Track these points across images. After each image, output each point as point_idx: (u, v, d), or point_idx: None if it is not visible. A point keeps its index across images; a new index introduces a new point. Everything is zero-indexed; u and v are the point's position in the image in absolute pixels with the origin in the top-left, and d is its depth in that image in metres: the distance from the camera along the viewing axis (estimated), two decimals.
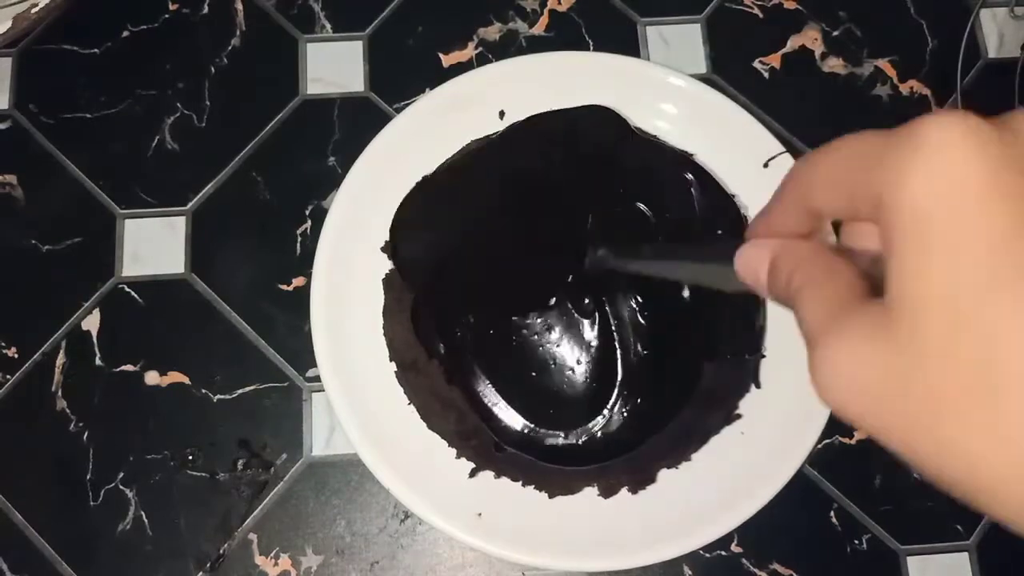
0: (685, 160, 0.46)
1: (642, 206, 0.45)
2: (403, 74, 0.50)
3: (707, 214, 0.45)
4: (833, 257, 0.20)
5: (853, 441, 0.46)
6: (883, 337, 0.17)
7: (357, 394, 0.43)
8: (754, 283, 0.22)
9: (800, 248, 0.21)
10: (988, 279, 0.15)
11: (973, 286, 0.15)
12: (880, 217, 0.17)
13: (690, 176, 0.45)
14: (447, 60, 0.51)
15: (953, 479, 0.16)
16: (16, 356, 0.46)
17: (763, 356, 0.44)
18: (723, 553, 0.44)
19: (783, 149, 0.46)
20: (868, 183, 0.17)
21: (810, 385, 0.18)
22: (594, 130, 0.46)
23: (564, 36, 0.51)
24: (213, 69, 0.50)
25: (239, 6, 0.51)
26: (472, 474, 0.42)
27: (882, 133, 0.18)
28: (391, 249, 0.44)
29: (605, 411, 0.43)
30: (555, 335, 0.43)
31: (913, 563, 0.44)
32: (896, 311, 0.16)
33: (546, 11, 0.52)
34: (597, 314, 0.43)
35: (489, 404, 0.43)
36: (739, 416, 0.44)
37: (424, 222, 0.45)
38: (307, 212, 0.48)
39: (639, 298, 0.43)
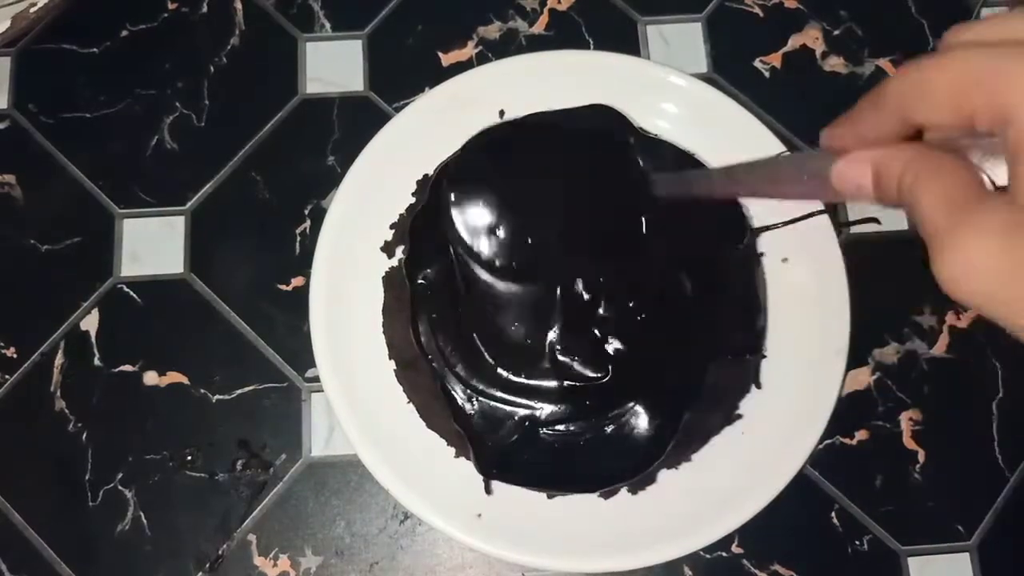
0: (686, 159, 0.46)
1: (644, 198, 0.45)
2: (403, 73, 0.50)
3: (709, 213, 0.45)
4: (943, 155, 0.22)
5: (854, 441, 0.46)
6: (1016, 231, 0.19)
7: (357, 394, 0.43)
8: (855, 194, 0.24)
9: (905, 151, 0.23)
10: None
11: None
12: (1008, 130, 0.19)
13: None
14: (447, 59, 0.51)
15: None
16: (15, 356, 0.46)
17: (764, 356, 0.44)
18: (724, 554, 0.44)
19: (784, 148, 0.46)
20: (990, 101, 0.20)
21: (944, 280, 0.20)
22: (595, 129, 0.46)
23: (564, 35, 0.51)
24: (212, 68, 0.50)
25: (238, 5, 0.51)
26: (488, 489, 0.42)
27: (990, 53, 0.20)
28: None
29: None
30: (553, 336, 0.43)
31: (914, 564, 0.44)
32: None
33: (546, 10, 0.52)
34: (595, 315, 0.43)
35: None
36: (739, 416, 0.43)
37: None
38: (306, 212, 0.48)
39: (639, 299, 0.43)
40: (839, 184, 0.25)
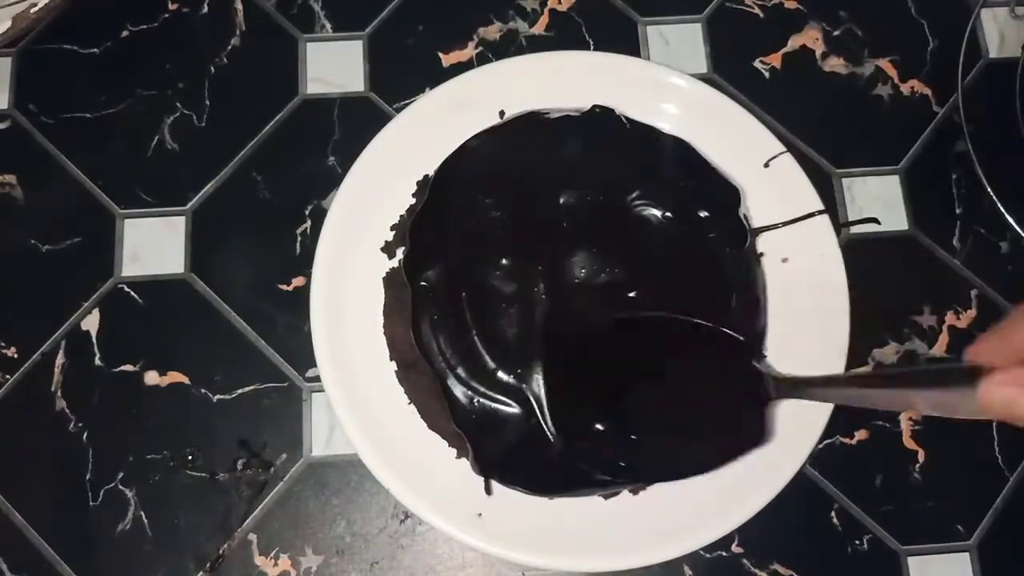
0: (681, 147, 0.46)
1: (644, 198, 0.45)
2: (403, 74, 0.50)
3: (710, 200, 0.45)
4: None
5: (853, 441, 0.46)
6: None
7: (357, 394, 0.43)
8: (1003, 415, 0.22)
9: None
10: None
11: None
12: None
13: (687, 161, 0.45)
14: (447, 60, 0.51)
15: None
16: (16, 356, 0.46)
17: (764, 356, 0.44)
18: (724, 553, 0.44)
19: (783, 149, 0.46)
20: None
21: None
22: (591, 124, 0.46)
23: (564, 36, 0.51)
24: (213, 69, 0.50)
25: (239, 6, 0.51)
26: (488, 489, 0.42)
27: None
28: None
29: None
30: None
31: (914, 563, 0.44)
32: None
33: (546, 11, 0.52)
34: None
35: None
36: None
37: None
38: (307, 212, 0.48)
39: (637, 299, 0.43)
40: (986, 402, 0.23)
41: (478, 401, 0.42)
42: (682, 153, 0.46)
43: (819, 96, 0.51)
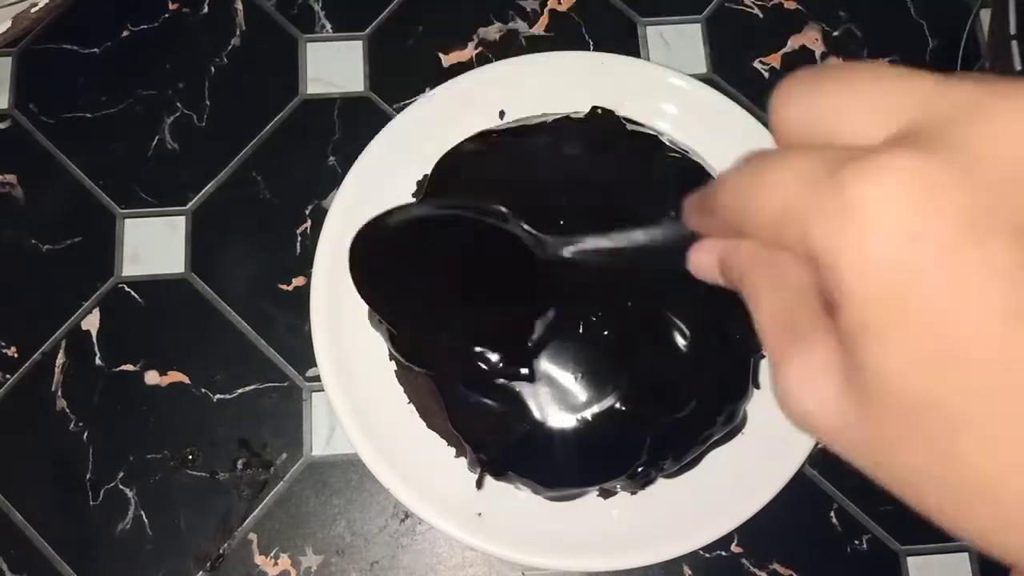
0: (683, 159, 0.46)
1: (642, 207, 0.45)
2: (403, 74, 0.50)
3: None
4: (775, 262, 0.18)
5: None
6: (842, 383, 0.16)
7: (357, 394, 0.43)
8: (712, 280, 0.22)
9: (741, 249, 0.20)
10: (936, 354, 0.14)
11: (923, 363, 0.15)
12: (821, 272, 0.16)
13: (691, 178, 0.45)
14: (447, 60, 0.51)
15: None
16: (16, 356, 0.46)
17: (763, 356, 0.44)
18: (723, 553, 0.44)
19: None
20: (798, 238, 0.16)
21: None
22: (590, 130, 0.46)
23: (564, 36, 0.51)
24: (213, 69, 0.50)
25: (239, 6, 0.51)
26: (479, 484, 0.42)
27: (800, 179, 0.16)
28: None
29: None
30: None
31: (913, 563, 0.44)
32: (863, 378, 0.16)
33: (546, 11, 0.52)
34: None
35: None
36: None
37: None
38: (307, 212, 0.48)
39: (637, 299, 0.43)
40: (695, 270, 0.22)
41: (475, 400, 0.42)
42: (682, 162, 0.46)
43: None
